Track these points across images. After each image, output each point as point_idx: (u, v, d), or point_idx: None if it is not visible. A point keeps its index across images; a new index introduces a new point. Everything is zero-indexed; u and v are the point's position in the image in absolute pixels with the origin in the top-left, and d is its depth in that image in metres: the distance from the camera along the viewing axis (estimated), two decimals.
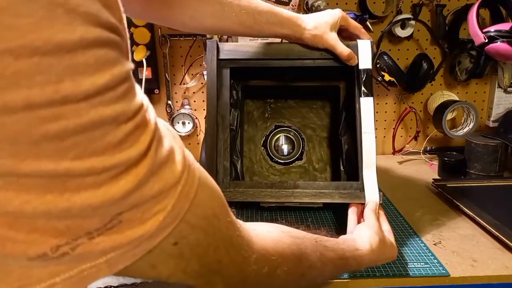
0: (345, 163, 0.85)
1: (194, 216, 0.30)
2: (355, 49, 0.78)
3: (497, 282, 0.68)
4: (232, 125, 0.81)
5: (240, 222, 0.37)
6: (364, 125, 0.74)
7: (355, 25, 0.81)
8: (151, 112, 0.27)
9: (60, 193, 0.21)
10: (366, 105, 0.76)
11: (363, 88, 0.76)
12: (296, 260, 0.43)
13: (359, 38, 0.81)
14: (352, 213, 0.72)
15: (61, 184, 0.21)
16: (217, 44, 0.75)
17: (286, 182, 0.77)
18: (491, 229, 0.78)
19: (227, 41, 1.13)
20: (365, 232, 0.63)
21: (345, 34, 0.82)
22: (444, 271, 0.68)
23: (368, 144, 0.74)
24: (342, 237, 0.62)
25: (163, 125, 0.29)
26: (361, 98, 0.76)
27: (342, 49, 0.76)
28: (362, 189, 0.74)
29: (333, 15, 0.78)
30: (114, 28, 0.22)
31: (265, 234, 0.41)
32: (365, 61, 0.78)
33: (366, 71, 0.77)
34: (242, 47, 0.77)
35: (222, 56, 0.76)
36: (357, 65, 0.78)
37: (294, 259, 0.42)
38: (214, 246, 0.32)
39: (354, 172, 0.78)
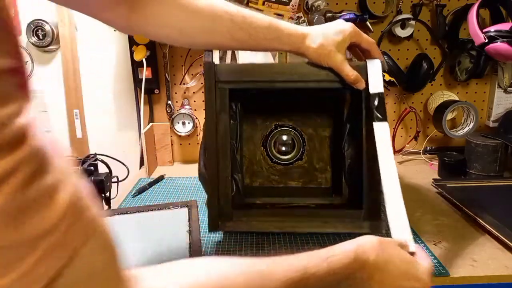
0: (347, 181, 0.84)
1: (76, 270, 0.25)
2: (364, 70, 0.72)
3: (497, 282, 0.68)
4: (232, 139, 0.80)
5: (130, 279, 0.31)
6: (381, 155, 0.64)
7: (368, 41, 0.74)
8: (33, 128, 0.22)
9: None
10: (381, 131, 0.67)
11: (376, 113, 0.68)
12: None
13: (370, 55, 0.74)
14: None
15: None
16: (215, 65, 0.72)
17: (292, 208, 0.77)
18: (491, 229, 0.78)
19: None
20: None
21: (355, 50, 0.77)
22: (444, 271, 0.68)
23: (390, 175, 0.62)
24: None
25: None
26: (374, 123, 0.68)
27: (348, 71, 0.70)
28: (387, 227, 0.60)
29: (343, 32, 0.71)
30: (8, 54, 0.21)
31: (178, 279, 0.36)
32: (376, 84, 0.71)
33: (378, 95, 0.70)
34: (242, 68, 0.74)
35: (220, 78, 0.73)
36: (367, 88, 0.71)
37: None
38: None
39: (356, 194, 0.77)
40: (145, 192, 1.04)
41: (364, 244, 0.48)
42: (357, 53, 0.77)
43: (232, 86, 0.74)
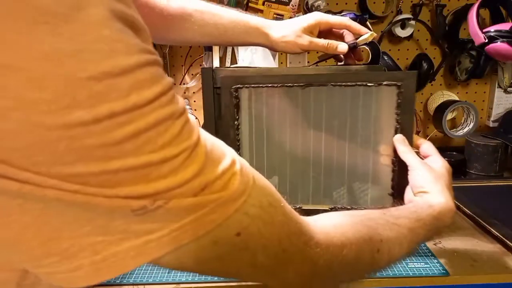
0: None
1: (252, 206, 0.32)
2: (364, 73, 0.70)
3: (497, 282, 0.68)
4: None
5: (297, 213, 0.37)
6: None
7: (341, 20, 0.74)
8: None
9: (146, 183, 0.26)
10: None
11: None
12: (365, 237, 0.41)
13: (353, 32, 0.74)
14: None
15: (144, 176, 0.26)
16: (213, 71, 0.71)
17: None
18: (491, 229, 0.78)
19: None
20: (422, 182, 0.55)
21: (333, 35, 0.76)
22: (444, 271, 0.68)
23: None
24: (409, 198, 0.56)
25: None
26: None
27: (319, 43, 0.72)
28: None
29: (307, 19, 0.73)
30: (153, 52, 0.28)
31: (323, 219, 0.41)
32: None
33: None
34: (240, 73, 0.72)
35: (219, 84, 0.71)
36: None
37: (360, 236, 0.41)
38: (276, 235, 0.34)
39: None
40: None
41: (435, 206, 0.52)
42: (349, 56, 0.76)
43: (230, 91, 0.72)
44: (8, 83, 0.22)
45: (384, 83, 0.66)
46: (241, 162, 0.32)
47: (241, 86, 0.70)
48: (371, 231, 0.42)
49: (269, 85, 0.69)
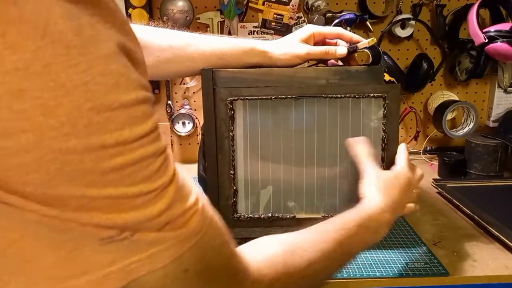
0: None
1: (204, 245, 0.34)
2: (364, 74, 0.71)
3: (497, 282, 0.68)
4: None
5: (237, 249, 0.40)
6: None
7: (331, 31, 0.76)
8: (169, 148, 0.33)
9: (118, 213, 0.28)
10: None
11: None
12: (295, 265, 0.45)
13: (345, 41, 0.75)
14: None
15: (118, 206, 0.28)
16: (213, 72, 0.71)
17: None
18: (491, 229, 0.78)
19: None
20: (365, 184, 0.61)
21: (328, 45, 0.77)
22: (444, 271, 0.68)
23: None
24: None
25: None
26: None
27: (317, 50, 0.73)
28: None
29: (302, 31, 0.75)
30: (148, 88, 0.30)
31: (257, 251, 0.44)
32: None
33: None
34: (241, 74, 0.72)
35: (219, 85, 0.71)
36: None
37: (290, 266, 0.44)
38: (217, 276, 0.37)
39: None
40: None
41: (371, 206, 0.57)
42: (353, 59, 0.76)
43: (231, 92, 0.72)
44: (25, 107, 0.24)
45: (370, 95, 0.71)
46: (203, 201, 0.35)
47: (236, 98, 0.71)
48: (297, 259, 0.45)
49: (263, 97, 0.71)
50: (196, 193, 0.34)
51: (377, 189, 0.59)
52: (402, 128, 1.29)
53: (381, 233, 0.57)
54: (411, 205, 0.64)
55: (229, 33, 1.18)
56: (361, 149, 0.66)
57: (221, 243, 0.37)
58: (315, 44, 0.75)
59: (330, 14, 1.16)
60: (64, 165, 0.25)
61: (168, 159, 0.31)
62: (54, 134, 0.25)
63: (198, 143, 1.26)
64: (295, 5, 1.15)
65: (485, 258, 0.72)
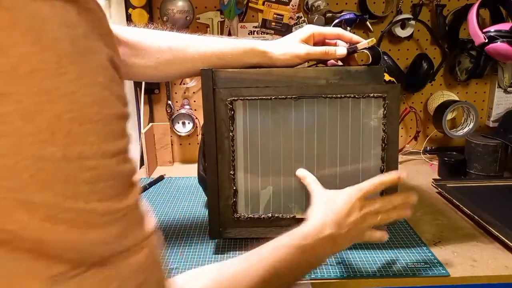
0: None
1: (145, 280, 0.32)
2: (364, 74, 0.71)
3: (497, 282, 0.68)
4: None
5: (174, 283, 0.40)
6: None
7: (331, 32, 0.76)
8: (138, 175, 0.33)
9: (85, 228, 0.27)
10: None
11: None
12: None
13: (345, 41, 0.75)
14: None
15: (84, 220, 0.27)
16: (212, 72, 0.70)
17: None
18: (491, 229, 0.78)
19: None
20: (310, 207, 0.62)
21: (327, 45, 0.77)
22: (444, 271, 0.68)
23: None
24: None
25: None
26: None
27: (317, 50, 0.73)
28: None
29: (302, 31, 0.75)
30: (127, 104, 0.30)
31: (193, 282, 0.44)
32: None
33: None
34: (241, 74, 0.72)
35: (219, 85, 0.71)
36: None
37: None
38: None
39: None
40: (145, 192, 1.04)
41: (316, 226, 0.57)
42: (353, 59, 0.76)
43: (230, 92, 0.72)
44: (6, 111, 0.24)
45: (370, 95, 0.70)
46: (153, 235, 0.34)
47: (236, 98, 0.71)
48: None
49: (263, 97, 0.71)
50: (152, 224, 0.33)
51: (318, 208, 0.60)
52: (402, 128, 1.29)
53: (325, 249, 0.57)
54: (379, 233, 0.62)
55: (229, 33, 1.18)
56: (310, 178, 0.69)
57: (160, 278, 0.36)
58: (315, 44, 0.75)
59: (330, 14, 1.16)
60: (37, 172, 0.25)
61: (137, 184, 0.31)
62: (31, 140, 0.24)
63: (198, 143, 1.26)
64: (295, 5, 1.15)
65: (485, 258, 0.72)
